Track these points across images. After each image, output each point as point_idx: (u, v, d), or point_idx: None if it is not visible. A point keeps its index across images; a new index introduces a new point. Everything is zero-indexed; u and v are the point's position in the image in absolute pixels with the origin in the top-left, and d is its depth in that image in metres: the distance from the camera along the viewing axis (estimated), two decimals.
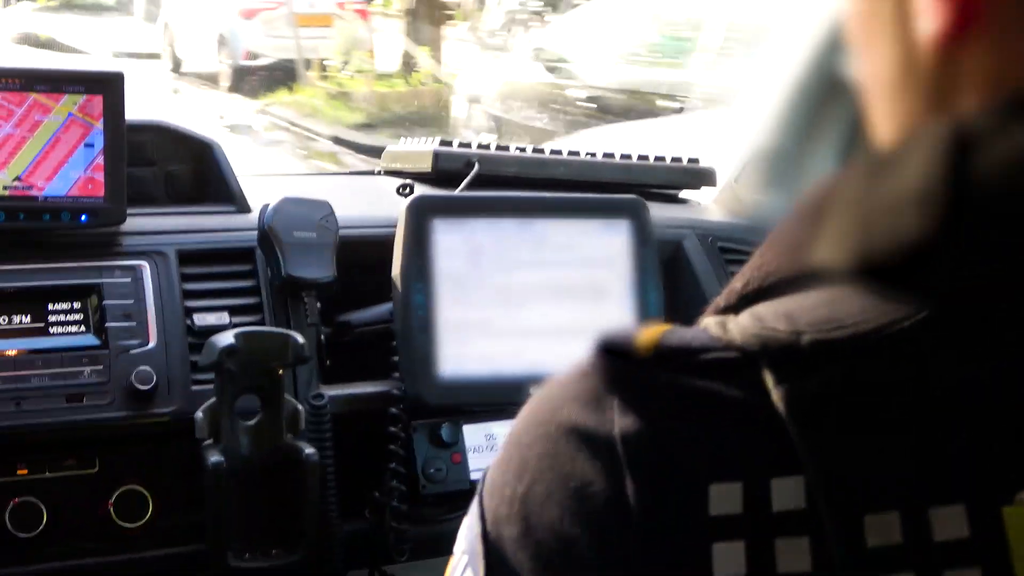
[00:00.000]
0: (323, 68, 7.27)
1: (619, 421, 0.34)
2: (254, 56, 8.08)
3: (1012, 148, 0.33)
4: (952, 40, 0.35)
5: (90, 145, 0.93)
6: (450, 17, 8.43)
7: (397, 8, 8.06)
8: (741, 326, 0.35)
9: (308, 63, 7.24)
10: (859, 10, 0.40)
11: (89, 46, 9.14)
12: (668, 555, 0.33)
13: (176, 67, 8.74)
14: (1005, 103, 0.34)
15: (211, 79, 8.23)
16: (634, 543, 0.33)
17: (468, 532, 0.39)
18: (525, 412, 0.39)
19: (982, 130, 0.33)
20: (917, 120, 0.38)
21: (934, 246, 0.33)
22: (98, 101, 0.93)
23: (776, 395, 0.33)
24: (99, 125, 0.94)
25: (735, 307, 0.38)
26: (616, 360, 0.36)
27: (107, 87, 0.93)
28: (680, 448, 0.34)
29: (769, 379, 0.33)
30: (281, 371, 0.91)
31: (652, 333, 0.37)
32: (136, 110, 0.94)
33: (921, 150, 0.34)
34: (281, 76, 7.50)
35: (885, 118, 0.40)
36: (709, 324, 0.37)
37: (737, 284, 0.40)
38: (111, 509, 0.94)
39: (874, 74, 0.40)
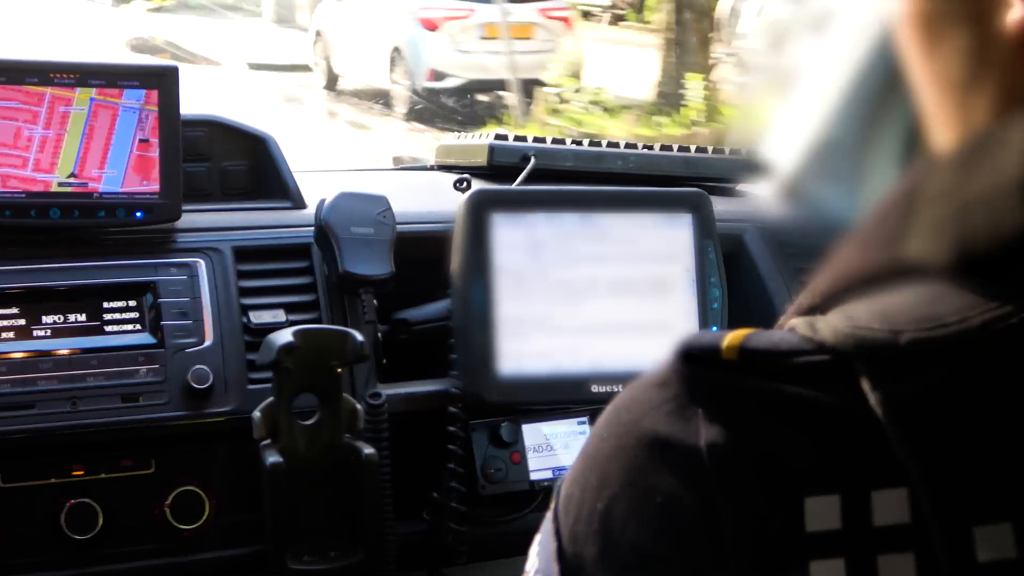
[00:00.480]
0: (538, 94, 5.56)
1: (705, 432, 0.34)
2: (440, 76, 6.45)
3: None
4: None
5: (148, 139, 0.94)
6: (717, 31, 6.34)
7: (643, 18, 6.39)
8: (832, 326, 0.34)
9: (526, 88, 5.63)
10: (923, 9, 0.39)
11: (216, 53, 7.60)
12: (762, 575, 0.33)
13: (331, 84, 7.24)
14: None
15: (377, 100, 6.77)
16: (725, 562, 0.32)
17: (542, 550, 0.39)
18: (602, 423, 0.39)
19: None
20: (994, 116, 0.37)
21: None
22: (153, 95, 0.93)
23: (874, 399, 0.32)
24: (158, 121, 0.94)
25: (822, 306, 0.37)
26: (700, 367, 0.35)
27: (162, 81, 0.94)
28: (772, 459, 0.34)
29: (866, 383, 0.32)
30: (340, 369, 0.91)
31: (736, 336, 0.36)
32: (288, 136, 0.95)
33: (1017, 140, 0.33)
34: (483, 106, 6.12)
35: (952, 117, 0.38)
36: (797, 324, 0.36)
37: (822, 282, 0.39)
38: (167, 510, 0.96)
39: (941, 72, 0.39)
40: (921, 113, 0.41)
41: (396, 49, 6.51)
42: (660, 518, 0.34)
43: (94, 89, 0.95)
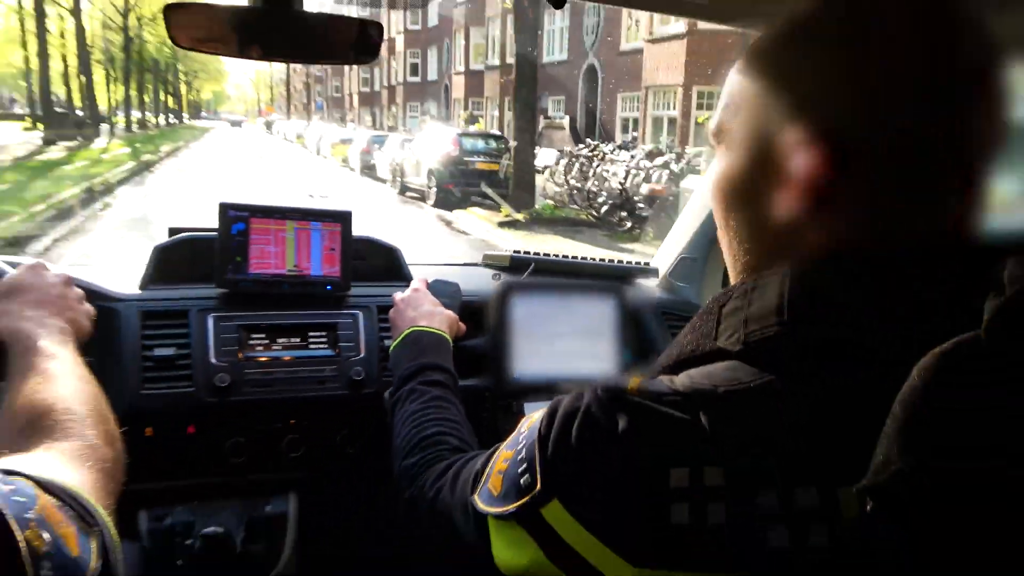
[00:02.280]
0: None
1: (620, 423, 0.55)
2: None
3: (821, 284, 0.52)
4: (793, 222, 0.55)
5: (332, 248, 1.46)
6: None
7: None
8: (681, 381, 0.56)
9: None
10: (729, 190, 0.60)
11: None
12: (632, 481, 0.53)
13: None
14: (826, 261, 0.53)
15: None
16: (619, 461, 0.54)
17: (528, 444, 0.63)
18: (570, 404, 0.60)
19: (808, 274, 0.53)
20: (762, 264, 0.58)
21: (780, 337, 0.53)
22: (336, 226, 1.47)
23: (704, 418, 0.52)
24: (339, 238, 1.46)
25: (674, 369, 0.59)
26: (618, 392, 0.56)
27: (342, 217, 1.47)
28: (651, 442, 0.54)
29: (700, 411, 0.52)
30: None
31: (636, 380, 0.56)
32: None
33: (774, 284, 0.54)
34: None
35: (737, 263, 0.62)
36: (663, 379, 0.57)
37: (673, 354, 0.61)
38: (339, 443, 1.40)
39: (733, 229, 0.61)
40: (724, 255, 0.63)
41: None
42: (588, 451, 0.56)
43: (297, 222, 1.46)
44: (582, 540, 0.56)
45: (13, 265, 1.20)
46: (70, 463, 0.71)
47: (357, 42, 1.09)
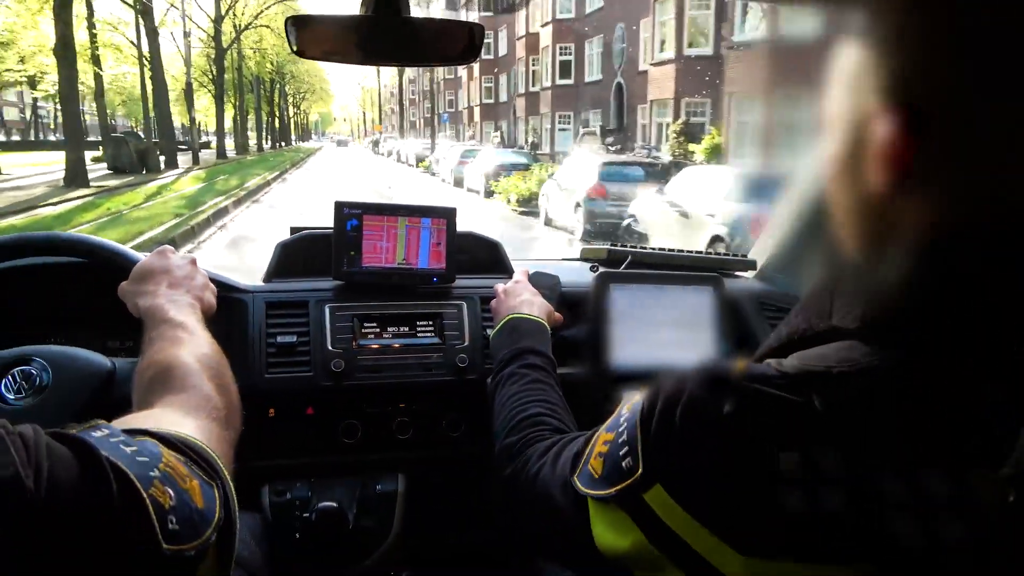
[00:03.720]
0: None
1: (725, 405, 0.54)
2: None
3: (947, 259, 0.50)
4: (892, 194, 0.53)
5: (438, 243, 1.54)
6: None
7: None
8: (790, 364, 0.55)
9: None
10: (832, 171, 0.60)
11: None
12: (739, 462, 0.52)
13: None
14: (948, 236, 0.51)
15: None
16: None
17: (629, 427, 0.62)
18: (674, 387, 0.59)
19: (932, 249, 0.51)
20: (875, 242, 0.56)
21: (905, 313, 0.51)
22: (442, 222, 1.54)
23: (816, 401, 0.51)
24: (445, 233, 1.53)
25: (782, 351, 0.58)
26: (722, 376, 0.56)
27: (447, 214, 1.54)
28: (759, 424, 0.53)
29: (813, 393, 0.51)
30: None
31: (742, 364, 0.56)
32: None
33: (897, 260, 0.52)
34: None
35: (852, 240, 0.59)
36: (770, 362, 0.56)
37: (783, 336, 0.59)
38: (444, 426, 1.47)
39: (842, 209, 0.59)
40: (837, 236, 0.60)
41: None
42: (692, 435, 0.56)
43: (408, 219, 1.53)
44: (687, 526, 0.54)
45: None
46: (188, 414, 0.75)
47: (463, 44, 1.16)
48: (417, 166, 31.26)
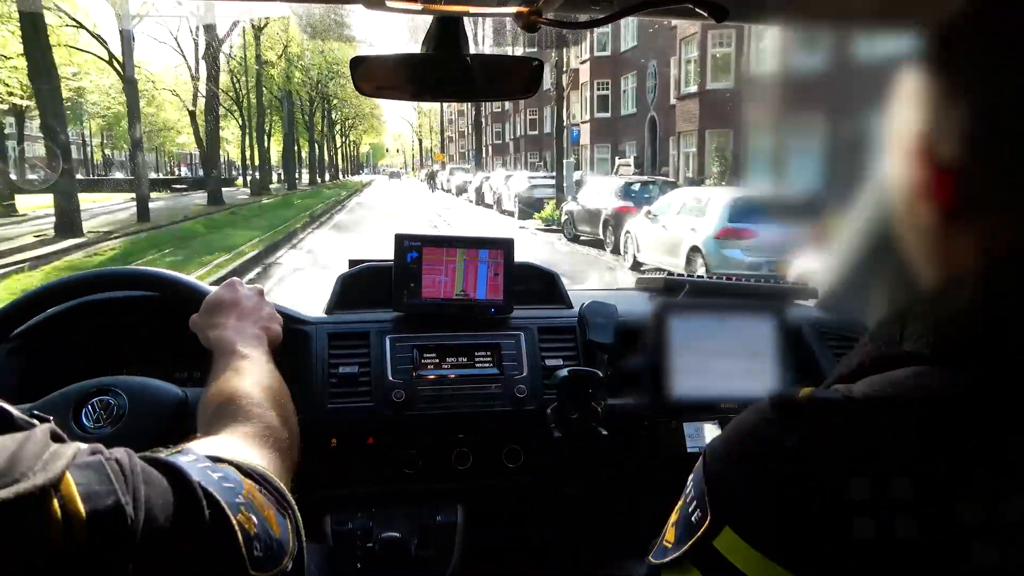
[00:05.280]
0: None
1: (789, 439, 0.53)
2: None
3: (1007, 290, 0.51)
4: (943, 229, 0.55)
5: (496, 274, 1.55)
6: None
7: None
8: (859, 390, 0.54)
9: None
10: (897, 201, 0.60)
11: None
12: (811, 495, 0.50)
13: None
14: (993, 267, 0.51)
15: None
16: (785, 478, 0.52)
17: (695, 482, 0.59)
18: (732, 424, 0.58)
19: (1001, 273, 0.51)
20: (943, 267, 0.56)
21: (979, 337, 0.51)
22: (500, 253, 1.56)
23: (887, 426, 0.50)
24: (502, 265, 1.55)
25: (851, 378, 0.57)
26: (787, 405, 0.54)
27: (505, 245, 1.56)
28: (826, 453, 0.52)
29: (883, 418, 0.50)
30: (591, 390, 1.35)
31: (808, 391, 0.54)
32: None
33: (966, 287, 0.52)
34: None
35: (922, 265, 0.59)
36: (839, 388, 0.55)
37: (853, 363, 0.59)
38: (503, 457, 1.48)
39: (909, 239, 0.60)
40: (906, 265, 0.60)
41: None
42: (756, 471, 0.54)
43: (466, 251, 1.56)
44: (758, 566, 0.52)
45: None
46: (254, 444, 0.76)
47: (523, 79, 1.18)
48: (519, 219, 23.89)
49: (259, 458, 0.72)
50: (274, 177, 39.94)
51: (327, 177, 56.55)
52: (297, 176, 41.82)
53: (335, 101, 48.99)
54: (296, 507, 0.68)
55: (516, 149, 46.11)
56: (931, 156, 0.54)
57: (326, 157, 58.37)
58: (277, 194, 31.05)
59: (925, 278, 0.59)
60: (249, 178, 34.57)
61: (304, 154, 50.74)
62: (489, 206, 23.89)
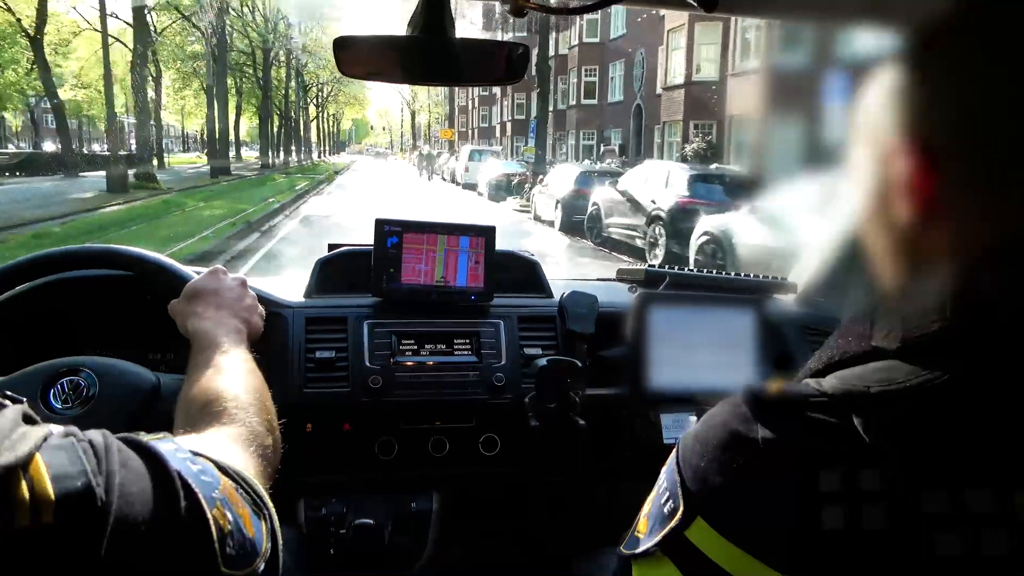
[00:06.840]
0: None
1: (760, 431, 0.53)
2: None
3: (984, 279, 0.51)
4: (919, 226, 0.55)
5: (477, 262, 1.54)
6: None
7: None
8: (829, 384, 0.54)
9: None
10: (863, 206, 0.60)
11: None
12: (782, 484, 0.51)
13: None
14: (985, 256, 0.51)
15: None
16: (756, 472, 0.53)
17: (668, 474, 0.60)
18: (705, 418, 0.59)
19: (969, 270, 0.52)
20: (913, 264, 0.57)
21: (945, 333, 0.51)
22: (481, 240, 1.54)
23: (856, 420, 0.51)
24: (483, 251, 1.54)
25: (822, 372, 0.58)
26: (758, 398, 0.55)
27: (486, 232, 1.54)
28: (797, 445, 0.52)
29: (854, 415, 0.51)
30: (569, 379, 1.35)
31: (778, 384, 0.55)
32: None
33: (935, 284, 0.53)
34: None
35: (890, 263, 0.60)
36: (809, 382, 0.56)
37: (823, 358, 0.59)
38: (479, 445, 1.46)
39: (877, 237, 0.60)
40: (873, 265, 0.61)
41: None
42: (728, 462, 0.55)
43: (447, 237, 1.53)
44: (729, 556, 0.53)
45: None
46: (236, 446, 0.75)
47: (508, 65, 1.16)
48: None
49: (241, 460, 0.71)
50: (231, 153, 31.03)
51: (294, 158, 45.62)
52: (209, 149, 31.46)
53: (306, 61, 39.27)
54: (274, 511, 0.67)
55: (502, 132, 45.98)
56: (910, 154, 0.54)
57: (301, 133, 47.32)
58: (168, 189, 19.94)
59: (892, 276, 0.60)
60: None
61: (257, 127, 40.77)
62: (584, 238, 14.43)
